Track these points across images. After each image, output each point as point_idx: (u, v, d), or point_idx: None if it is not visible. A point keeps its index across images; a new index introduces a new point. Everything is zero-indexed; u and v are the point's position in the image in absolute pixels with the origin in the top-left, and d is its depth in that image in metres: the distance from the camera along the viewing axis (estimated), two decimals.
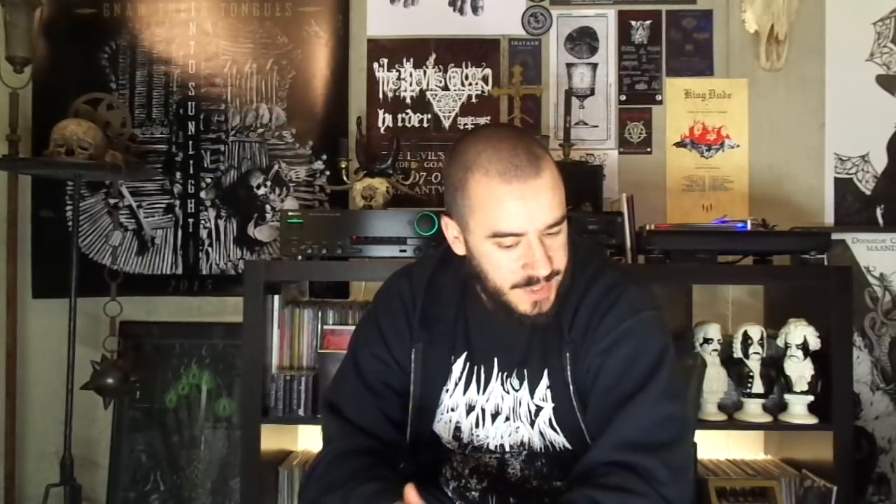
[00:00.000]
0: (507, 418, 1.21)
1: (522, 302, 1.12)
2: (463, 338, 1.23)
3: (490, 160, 1.07)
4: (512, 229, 1.07)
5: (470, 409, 1.23)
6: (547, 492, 1.21)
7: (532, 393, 1.19)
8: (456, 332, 1.24)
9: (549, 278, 1.09)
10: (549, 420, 1.19)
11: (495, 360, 1.22)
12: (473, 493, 1.24)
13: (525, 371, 1.20)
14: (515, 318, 1.13)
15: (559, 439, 1.19)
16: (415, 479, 1.25)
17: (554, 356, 1.17)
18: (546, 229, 1.07)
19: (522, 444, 1.21)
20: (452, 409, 1.24)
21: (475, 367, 1.23)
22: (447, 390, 1.24)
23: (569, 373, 1.15)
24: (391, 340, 1.24)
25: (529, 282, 1.10)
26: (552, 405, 1.18)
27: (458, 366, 1.24)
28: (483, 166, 1.07)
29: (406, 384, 1.23)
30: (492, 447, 1.23)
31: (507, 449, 1.22)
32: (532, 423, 1.20)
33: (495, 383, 1.22)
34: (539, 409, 1.19)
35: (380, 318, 1.26)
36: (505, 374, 1.21)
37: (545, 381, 1.18)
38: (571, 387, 1.15)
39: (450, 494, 1.28)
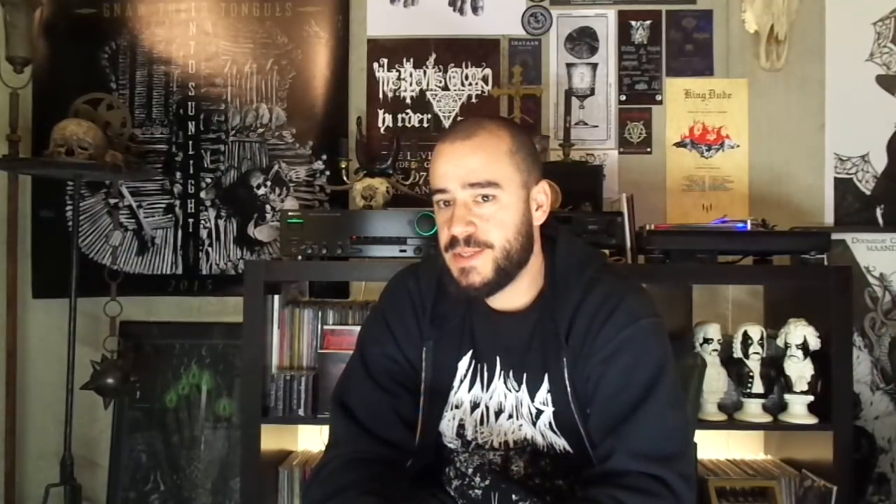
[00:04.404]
0: (510, 416, 1.22)
1: (453, 268, 1.16)
2: (469, 336, 1.24)
3: (448, 130, 1.20)
4: (437, 185, 1.16)
5: (474, 406, 1.23)
6: (549, 490, 1.21)
7: (532, 396, 1.19)
8: (463, 330, 1.24)
9: (469, 243, 1.12)
10: (550, 423, 1.19)
11: (498, 358, 1.22)
12: (476, 490, 1.24)
13: (524, 374, 1.20)
14: (454, 291, 1.17)
15: (560, 442, 1.19)
16: (419, 480, 1.26)
17: (553, 361, 1.17)
18: (468, 189, 1.12)
19: (526, 440, 1.21)
20: (457, 407, 1.25)
21: (479, 365, 1.23)
22: (452, 388, 1.24)
23: (567, 378, 1.15)
24: (402, 339, 1.25)
25: (452, 243, 1.13)
26: (552, 409, 1.18)
27: (463, 363, 1.24)
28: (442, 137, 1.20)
29: (416, 382, 1.23)
30: (495, 444, 1.23)
31: (512, 446, 1.22)
32: (534, 424, 1.20)
33: (498, 381, 1.22)
34: (540, 412, 1.19)
35: (389, 318, 1.27)
36: (505, 373, 1.22)
37: (546, 385, 1.18)
38: (570, 391, 1.15)
39: (452, 494, 1.28)
